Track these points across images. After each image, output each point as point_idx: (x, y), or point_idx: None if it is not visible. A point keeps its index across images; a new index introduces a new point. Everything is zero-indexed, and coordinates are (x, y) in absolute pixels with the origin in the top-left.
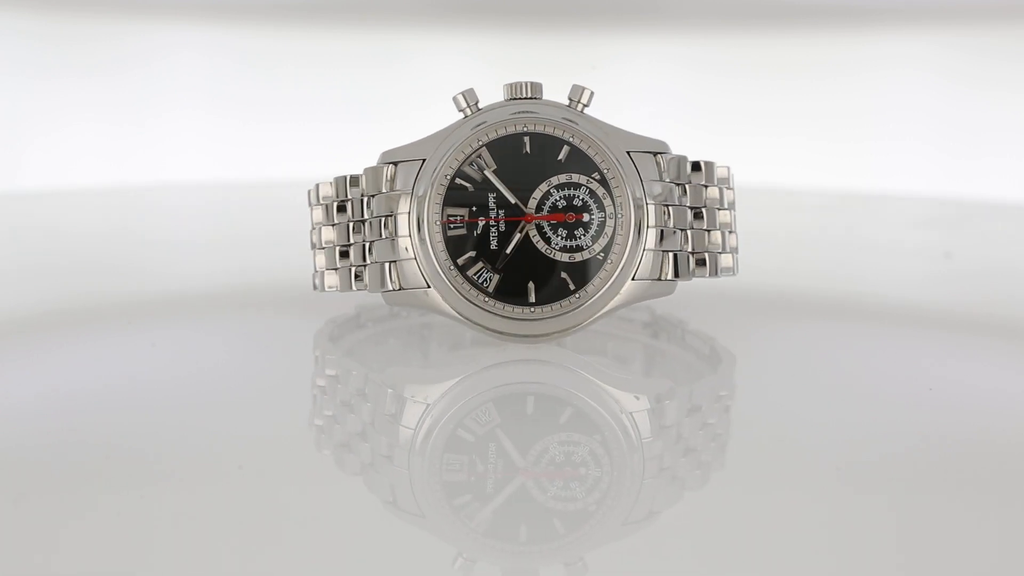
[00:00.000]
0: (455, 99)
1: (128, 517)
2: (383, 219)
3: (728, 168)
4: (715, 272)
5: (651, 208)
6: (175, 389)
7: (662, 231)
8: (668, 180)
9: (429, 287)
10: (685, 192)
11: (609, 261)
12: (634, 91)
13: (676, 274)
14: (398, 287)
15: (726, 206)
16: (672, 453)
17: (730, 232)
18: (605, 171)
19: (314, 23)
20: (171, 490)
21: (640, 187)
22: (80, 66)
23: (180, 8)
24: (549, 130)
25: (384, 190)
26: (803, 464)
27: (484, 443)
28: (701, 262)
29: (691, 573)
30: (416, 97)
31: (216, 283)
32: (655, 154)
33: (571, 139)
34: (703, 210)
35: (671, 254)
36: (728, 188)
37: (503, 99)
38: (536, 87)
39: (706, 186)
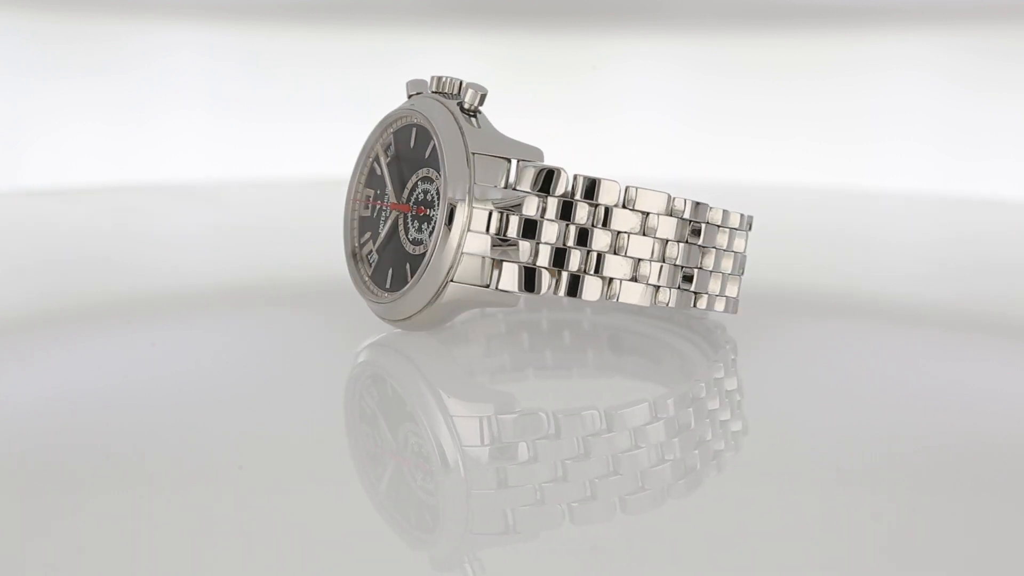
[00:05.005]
0: (406, 84)
1: (127, 517)
2: None
3: (740, 215)
4: (711, 308)
5: (476, 212)
6: (173, 388)
7: (501, 239)
8: (531, 190)
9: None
10: (567, 207)
11: (427, 258)
12: (634, 91)
13: (517, 286)
14: None
15: (734, 249)
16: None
17: (730, 275)
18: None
19: (314, 23)
20: (170, 490)
21: (465, 189)
22: (80, 66)
23: (180, 8)
24: (426, 125)
25: None
26: (804, 465)
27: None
28: (693, 295)
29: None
30: None
31: (215, 281)
32: (519, 161)
33: (434, 136)
34: (711, 249)
35: (509, 264)
36: (739, 235)
37: (431, 90)
38: (452, 83)
39: (719, 227)
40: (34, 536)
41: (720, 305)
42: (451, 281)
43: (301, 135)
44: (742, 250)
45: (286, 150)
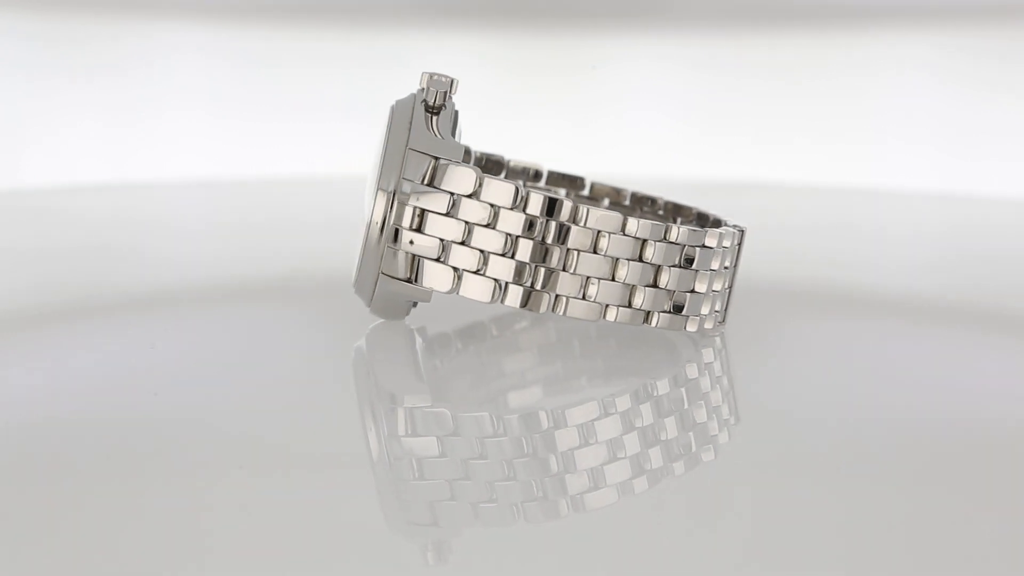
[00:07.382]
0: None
1: (127, 516)
2: None
3: (720, 226)
4: (684, 327)
5: (404, 208)
6: (174, 386)
7: (422, 237)
8: (449, 190)
9: None
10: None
11: (360, 252)
12: (634, 91)
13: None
14: None
15: (722, 267)
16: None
17: (714, 291)
18: None
19: (314, 23)
20: (170, 490)
21: (393, 182)
22: (80, 66)
23: (180, 8)
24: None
25: None
26: (803, 461)
27: None
28: (674, 309)
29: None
30: None
31: (215, 281)
32: (440, 159)
33: (389, 131)
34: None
35: (429, 261)
36: (726, 250)
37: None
38: (427, 79)
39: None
40: (34, 534)
41: (643, 320)
42: (382, 274)
43: (301, 135)
44: (697, 266)
45: (286, 150)
